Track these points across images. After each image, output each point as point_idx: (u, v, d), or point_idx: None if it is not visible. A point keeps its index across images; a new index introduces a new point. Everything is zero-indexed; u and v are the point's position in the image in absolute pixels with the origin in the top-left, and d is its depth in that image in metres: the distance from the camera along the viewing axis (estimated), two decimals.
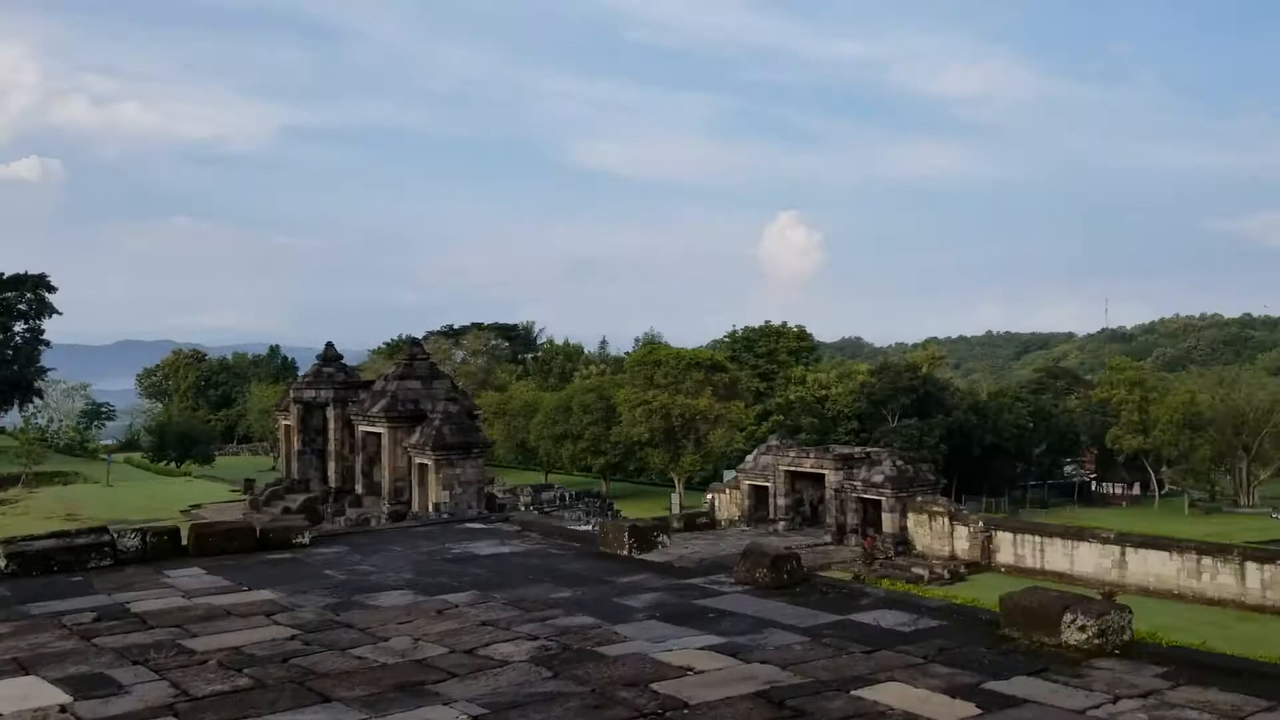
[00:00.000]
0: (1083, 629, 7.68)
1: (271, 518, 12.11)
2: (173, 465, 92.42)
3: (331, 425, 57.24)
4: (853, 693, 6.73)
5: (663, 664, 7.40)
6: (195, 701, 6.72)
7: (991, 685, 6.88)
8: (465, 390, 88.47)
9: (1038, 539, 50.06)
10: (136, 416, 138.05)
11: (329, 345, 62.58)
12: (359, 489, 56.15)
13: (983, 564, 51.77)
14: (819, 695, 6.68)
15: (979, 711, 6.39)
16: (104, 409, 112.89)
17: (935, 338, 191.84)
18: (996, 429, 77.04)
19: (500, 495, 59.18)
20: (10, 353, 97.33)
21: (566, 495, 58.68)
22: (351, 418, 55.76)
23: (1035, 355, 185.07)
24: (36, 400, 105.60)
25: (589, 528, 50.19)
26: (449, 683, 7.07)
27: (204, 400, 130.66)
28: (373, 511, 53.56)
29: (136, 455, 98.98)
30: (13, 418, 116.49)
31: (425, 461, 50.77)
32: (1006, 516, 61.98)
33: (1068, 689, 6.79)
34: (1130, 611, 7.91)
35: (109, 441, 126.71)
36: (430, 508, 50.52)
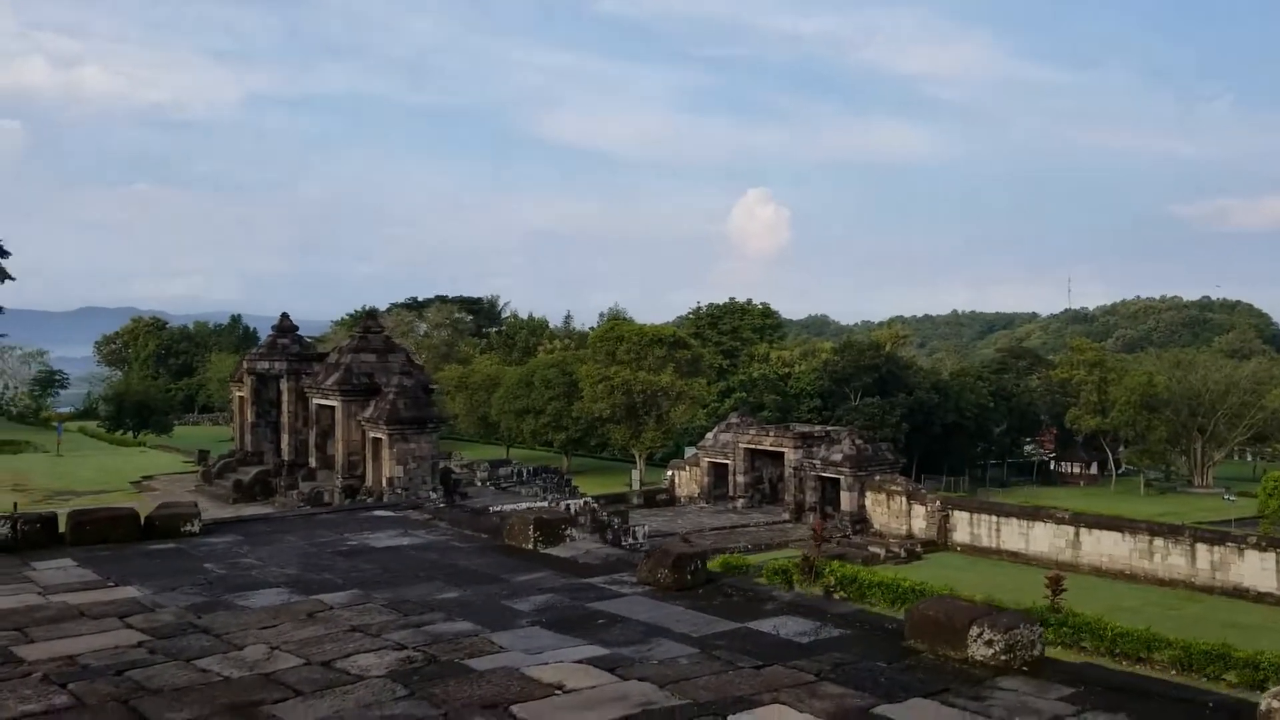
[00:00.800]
0: (989, 643, 7.11)
1: (159, 505, 11.34)
2: (129, 435, 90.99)
3: (285, 398, 56.30)
4: (730, 718, 6.13)
5: (532, 681, 6.77)
6: None
7: (883, 710, 6.29)
8: (421, 364, 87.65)
9: (994, 519, 50.02)
10: (95, 384, 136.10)
11: (284, 316, 61.53)
12: (313, 462, 55.30)
13: (939, 543, 51.73)
14: None
15: None
16: (57, 376, 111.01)
17: (901, 316, 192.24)
18: (958, 408, 76.97)
19: (457, 470, 58.42)
20: None
21: (524, 471, 58.02)
22: (306, 390, 54.83)
23: (999, 335, 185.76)
24: None
25: (542, 504, 49.70)
26: (290, 703, 6.41)
27: (164, 369, 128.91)
28: (326, 486, 52.76)
29: (92, 424, 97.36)
30: None
31: (379, 436, 49.97)
32: (964, 496, 61.95)
33: (964, 714, 6.22)
34: (1042, 625, 7.35)
35: (66, 410, 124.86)
36: (384, 482, 49.80)
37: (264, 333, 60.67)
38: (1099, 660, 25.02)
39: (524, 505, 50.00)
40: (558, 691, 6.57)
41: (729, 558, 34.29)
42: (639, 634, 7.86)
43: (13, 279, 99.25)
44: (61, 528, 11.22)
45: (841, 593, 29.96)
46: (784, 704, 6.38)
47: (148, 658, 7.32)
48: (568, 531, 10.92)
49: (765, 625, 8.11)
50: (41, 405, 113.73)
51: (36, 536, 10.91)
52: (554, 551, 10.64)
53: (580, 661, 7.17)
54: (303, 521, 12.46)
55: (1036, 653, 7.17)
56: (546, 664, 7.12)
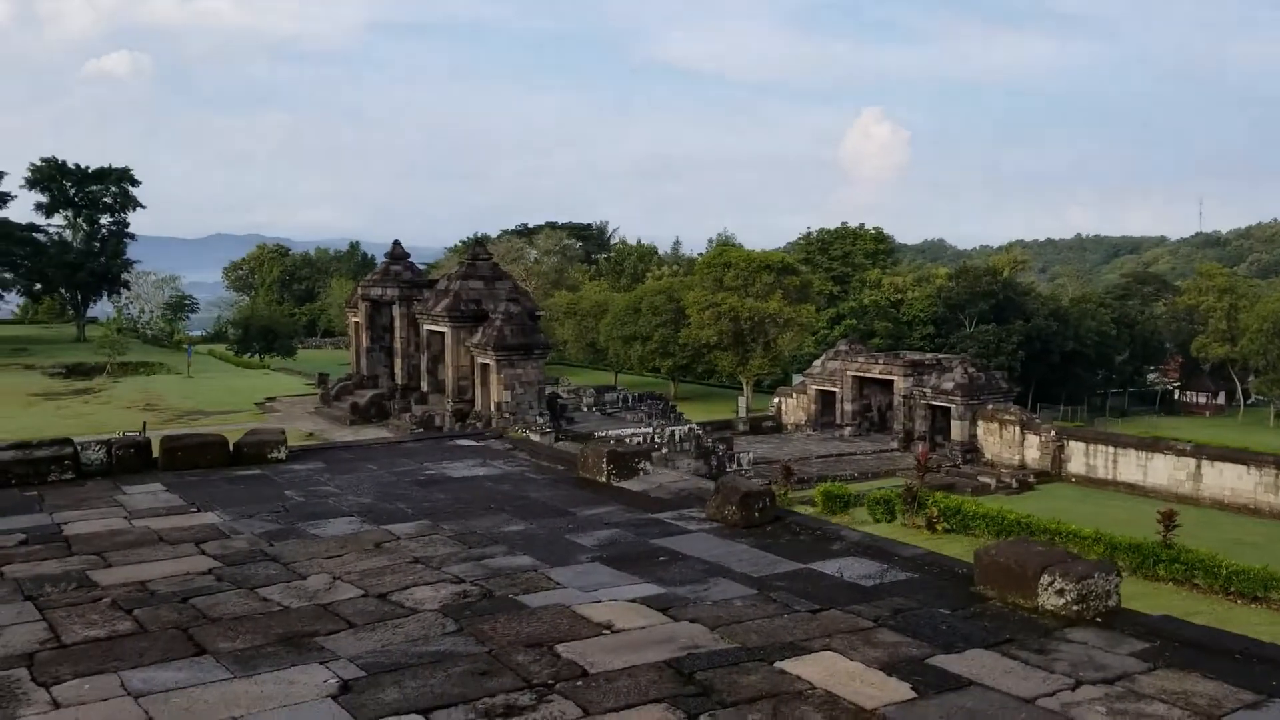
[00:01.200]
0: (1061, 593, 6.79)
1: (248, 432, 11.60)
2: (255, 358, 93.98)
3: (397, 323, 57.38)
4: (777, 664, 5.97)
5: (582, 619, 6.71)
6: (60, 650, 6.21)
7: (939, 660, 6.05)
8: (528, 291, 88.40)
9: (1111, 449, 48.58)
10: (224, 309, 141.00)
11: (396, 243, 62.48)
12: (424, 386, 56.44)
13: (1053, 474, 50.54)
14: (737, 666, 5.92)
15: (913, 696, 5.58)
16: (187, 301, 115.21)
17: (1022, 240, 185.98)
18: (1077, 335, 74.41)
19: (564, 396, 59.00)
20: (97, 245, 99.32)
21: (629, 397, 58.27)
22: (417, 316, 55.79)
23: (1125, 260, 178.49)
24: (124, 291, 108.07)
25: (647, 430, 49.93)
26: (342, 635, 6.47)
27: (288, 294, 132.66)
28: (437, 410, 53.86)
29: (220, 347, 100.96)
30: (106, 309, 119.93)
31: (487, 361, 50.68)
32: (1081, 425, 60.19)
33: (1026, 668, 5.94)
34: (1119, 575, 6.98)
35: (197, 333, 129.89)
36: (493, 407, 50.60)
37: (381, 259, 61.83)
38: (1213, 599, 24.19)
39: (628, 431, 50.31)
40: (606, 631, 6.50)
41: (830, 486, 33.94)
42: (698, 573, 7.73)
43: (143, 207, 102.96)
44: (156, 453, 11.55)
45: (944, 524, 29.43)
46: (835, 650, 6.19)
47: (215, 584, 7.49)
48: (641, 465, 10.82)
49: (829, 567, 7.90)
50: (175, 328, 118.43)
51: (130, 461, 11.26)
52: (627, 485, 10.56)
53: (634, 600, 7.08)
54: (385, 450, 12.63)
55: (1112, 603, 6.83)
56: (600, 601, 7.05)
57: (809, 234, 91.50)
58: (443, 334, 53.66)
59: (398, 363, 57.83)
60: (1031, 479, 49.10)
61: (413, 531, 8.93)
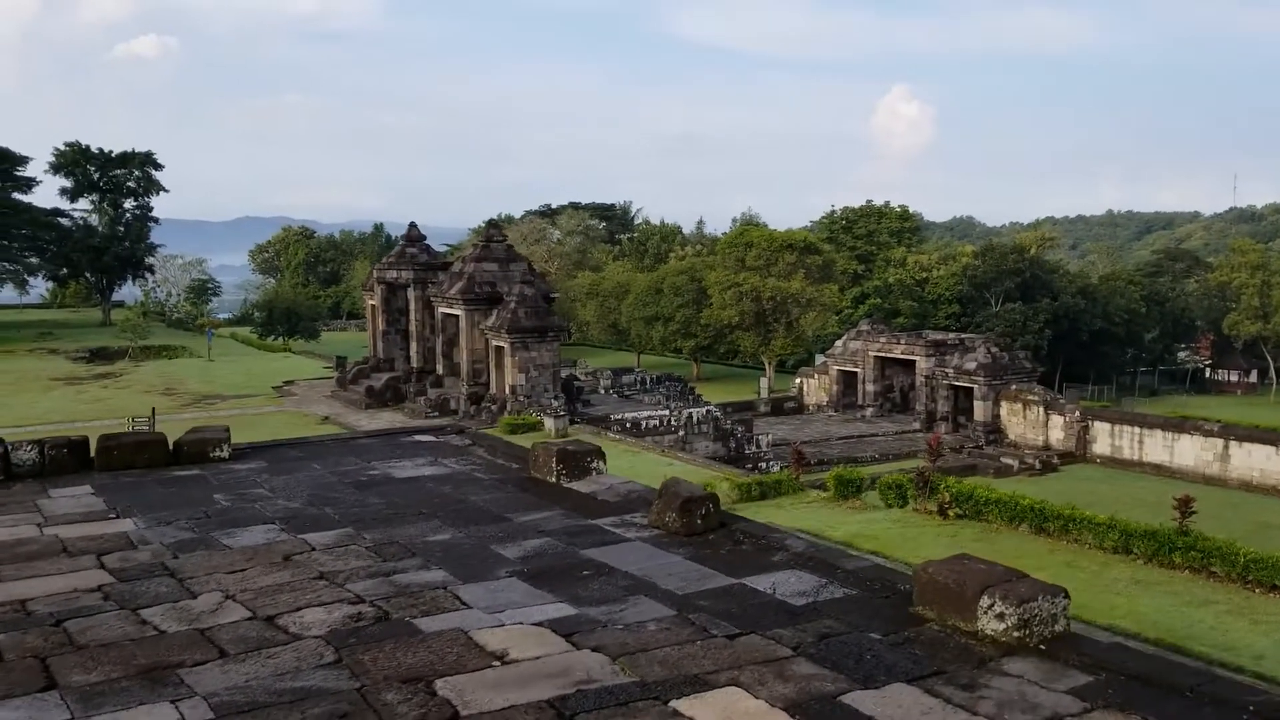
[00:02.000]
0: (1001, 616, 6.15)
1: (188, 431, 11.09)
2: (278, 341, 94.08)
3: (413, 306, 57.03)
4: (671, 703, 5.38)
5: (475, 648, 6.14)
6: None
7: (853, 698, 5.44)
8: (542, 274, 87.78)
9: (1136, 430, 47.54)
10: (250, 291, 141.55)
11: (412, 225, 62.10)
12: (440, 370, 56.10)
13: (1078, 455, 49.58)
14: (625, 707, 5.34)
15: None
16: (209, 284, 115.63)
17: (1052, 217, 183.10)
18: (1106, 313, 72.97)
19: (581, 378, 58.50)
20: (121, 229, 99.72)
21: (647, 378, 57.69)
22: (432, 299, 55.41)
23: (1157, 236, 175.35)
24: (149, 275, 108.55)
25: (664, 412, 49.35)
26: (208, 667, 5.93)
27: (313, 277, 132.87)
28: (452, 393, 53.53)
29: (244, 330, 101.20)
30: (135, 292, 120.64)
31: (501, 344, 50.23)
32: (1107, 406, 59.01)
33: (946, 709, 5.32)
34: (1066, 598, 6.33)
35: (224, 316, 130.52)
36: (507, 390, 50.18)
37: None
38: (1229, 588, 23.36)
39: (644, 413, 49.78)
40: (496, 663, 5.93)
41: (842, 470, 33.18)
42: (620, 590, 7.15)
43: (166, 191, 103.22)
44: (94, 452, 11.09)
45: (956, 509, 28.67)
46: (741, 686, 5.59)
47: (98, 605, 6.98)
48: (594, 464, 10.24)
49: (764, 582, 7.29)
50: (200, 311, 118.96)
51: (64, 462, 10.81)
52: (576, 486, 9.99)
53: (540, 624, 6.51)
54: (336, 447, 12.10)
55: (1058, 628, 6.18)
56: (502, 626, 6.49)
57: (833, 212, 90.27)
58: (457, 317, 53.25)
59: (413, 346, 57.52)
60: (1055, 460, 48.15)
61: (330, 541, 8.40)
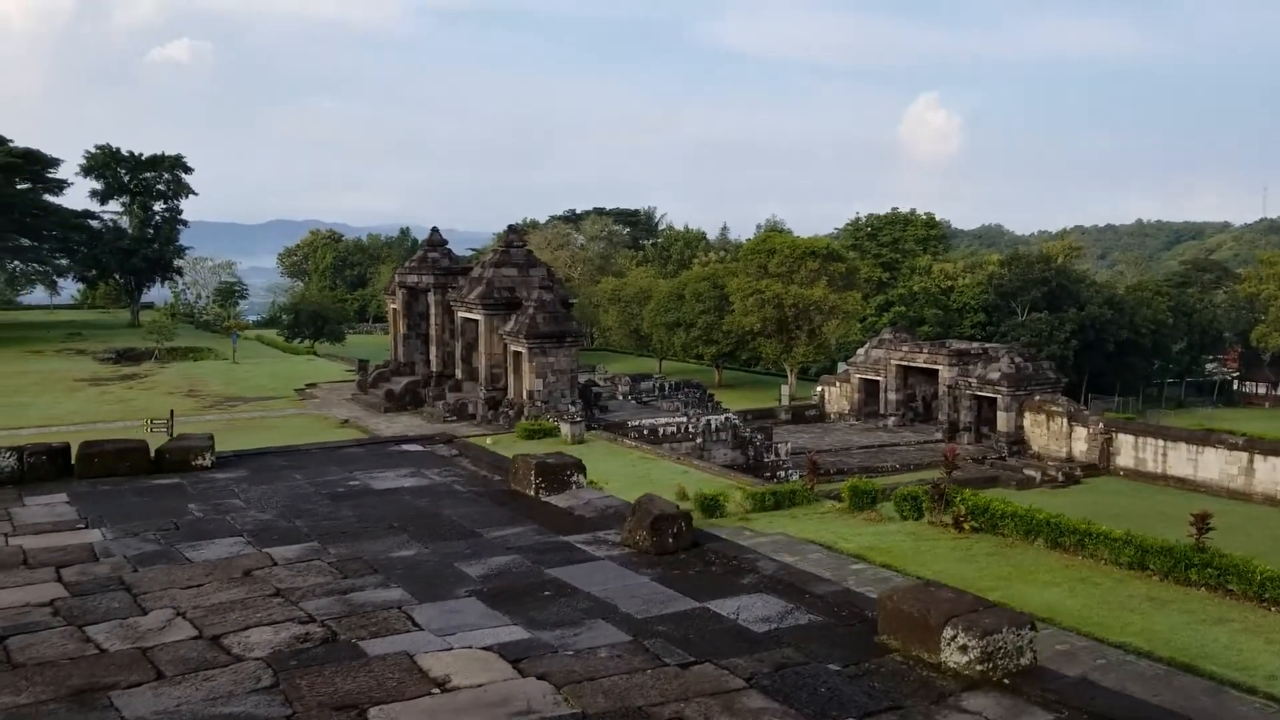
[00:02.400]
0: (964, 649, 5.89)
1: (174, 438, 10.98)
2: (305, 343, 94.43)
3: (433, 311, 57.07)
4: None
5: (418, 673, 5.95)
6: None
7: None
8: (561, 279, 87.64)
9: (1160, 443, 46.89)
10: (278, 294, 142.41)
11: (434, 230, 62.14)
12: (459, 374, 56.09)
13: (1101, 467, 48.98)
14: None
15: None
16: (236, 287, 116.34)
17: (1081, 226, 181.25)
18: (1133, 324, 72.04)
19: (600, 384, 58.34)
20: (151, 231, 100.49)
21: (666, 385, 57.42)
22: (451, 304, 55.42)
23: (1186, 246, 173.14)
24: (177, 277, 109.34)
25: (682, 419, 49.08)
26: (142, 689, 5.77)
27: (340, 280, 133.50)
28: (471, 397, 53.49)
29: (270, 333, 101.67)
30: (166, 294, 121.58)
31: (519, 349, 50.16)
32: (1131, 418, 58.26)
33: None
34: (1033, 629, 6.06)
35: (252, 318, 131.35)
36: (524, 395, 50.09)
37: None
38: (1245, 606, 22.87)
39: (662, 420, 49.54)
40: (436, 690, 5.73)
41: (857, 481, 32.81)
42: (578, 613, 6.93)
43: (195, 194, 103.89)
44: (73, 459, 10.99)
45: (971, 522, 28.28)
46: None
47: (46, 620, 6.85)
48: (573, 478, 10.04)
49: (728, 606, 7.06)
50: (227, 314, 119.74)
51: (44, 469, 10.71)
52: (554, 500, 9.79)
53: (489, 648, 6.31)
54: (322, 456, 11.96)
55: (1024, 662, 5.92)
56: (450, 650, 6.29)
57: (857, 220, 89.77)
58: (476, 321, 53.23)
59: (433, 350, 57.55)
60: (1078, 473, 47.58)
61: (294, 556, 8.23)
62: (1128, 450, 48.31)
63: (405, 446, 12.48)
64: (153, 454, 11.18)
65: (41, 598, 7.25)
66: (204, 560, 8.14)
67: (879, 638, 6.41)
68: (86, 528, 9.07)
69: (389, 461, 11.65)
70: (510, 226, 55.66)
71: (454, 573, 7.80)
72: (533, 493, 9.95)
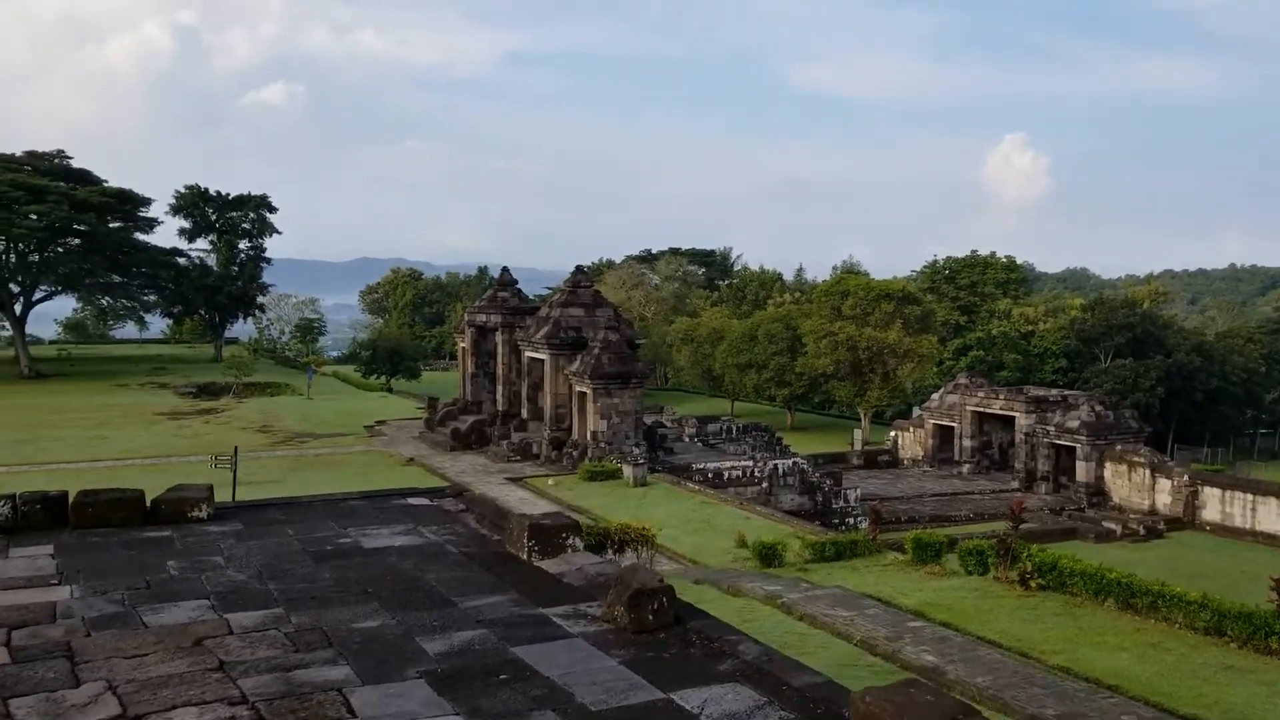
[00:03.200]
0: None
1: (168, 489, 10.70)
2: (380, 379, 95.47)
3: (500, 350, 57.22)
4: None
5: None
6: None
7: None
8: (639, 317, 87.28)
9: (1249, 496, 44.90)
10: (359, 331, 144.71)
11: (504, 270, 62.49)
12: (524, 414, 56.03)
13: (1185, 521, 47.06)
14: None
15: None
16: (315, 323, 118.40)
17: (1171, 270, 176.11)
18: (1223, 372, 69.46)
19: (667, 424, 57.77)
20: (235, 268, 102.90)
21: (734, 428, 56.68)
22: (518, 343, 55.49)
23: None
24: (260, 313, 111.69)
25: (748, 463, 48.21)
26: None
27: (419, 317, 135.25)
28: (535, 437, 53.33)
29: (347, 369, 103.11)
30: (251, 330, 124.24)
31: (584, 390, 49.91)
32: (1220, 469, 55.94)
33: None
34: None
35: (333, 354, 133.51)
36: (589, 435, 49.75)
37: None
38: None
39: (728, 464, 48.80)
40: None
41: (922, 533, 31.82)
42: (528, 702, 6.37)
43: (279, 232, 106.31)
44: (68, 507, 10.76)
45: (1039, 580, 27.06)
46: None
47: None
48: (569, 540, 9.50)
49: (695, 698, 6.44)
50: (308, 349, 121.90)
51: (37, 518, 10.50)
52: (546, 564, 9.26)
53: None
54: (325, 509, 11.57)
55: None
56: None
57: (934, 263, 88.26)
58: (542, 361, 53.17)
59: (499, 389, 57.62)
60: (1161, 526, 45.72)
61: (254, 624, 7.81)
62: (1214, 504, 46.37)
63: (411, 500, 12.06)
64: (148, 504, 10.91)
65: None
66: (160, 625, 7.76)
67: None
68: (60, 584, 8.77)
69: (388, 517, 11.23)
70: (578, 267, 55.64)
71: (412, 649, 7.30)
72: (525, 556, 9.44)
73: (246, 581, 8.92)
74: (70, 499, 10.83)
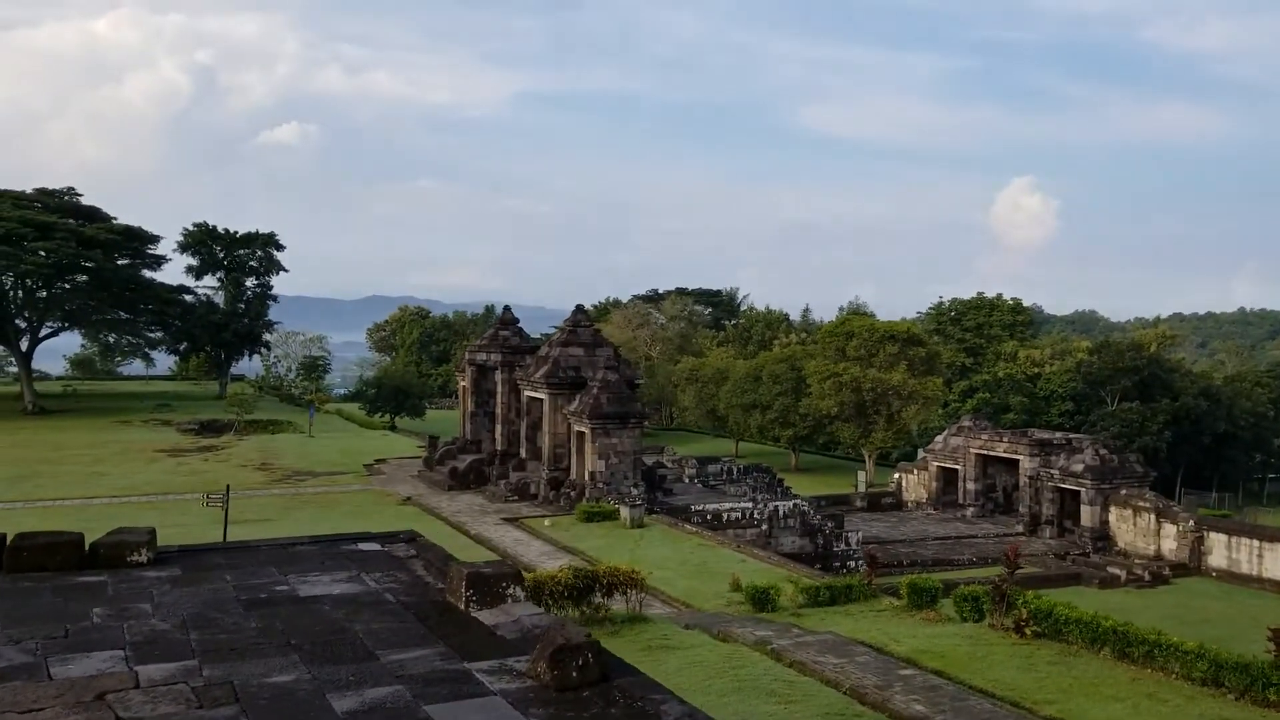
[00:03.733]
0: None
1: (108, 533, 10.39)
2: (384, 417, 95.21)
3: (499, 389, 56.98)
4: None
5: None
6: None
7: None
8: (644, 357, 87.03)
9: (1256, 543, 44.27)
10: (366, 368, 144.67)
11: (506, 309, 62.37)
12: (523, 453, 55.70)
13: (1191, 567, 46.43)
14: None
15: None
16: (319, 361, 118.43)
17: (1180, 314, 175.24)
18: (1230, 416, 68.78)
19: (667, 465, 57.36)
20: (242, 306, 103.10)
21: (734, 468, 56.24)
22: (518, 382, 55.26)
23: None
24: (266, 350, 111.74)
25: (748, 504, 47.67)
26: None
27: (425, 355, 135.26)
28: (534, 477, 52.95)
29: (350, 406, 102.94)
30: (257, 367, 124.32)
31: (582, 429, 49.58)
32: (1227, 514, 55.20)
33: None
34: None
35: (339, 392, 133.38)
36: (587, 476, 49.35)
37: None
38: None
39: (727, 505, 48.28)
40: None
41: (917, 578, 31.32)
42: None
43: (286, 270, 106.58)
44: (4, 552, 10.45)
45: (1034, 627, 26.52)
46: None
47: None
48: (509, 590, 9.15)
49: None
50: (317, 386, 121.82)
51: None
52: (482, 615, 8.90)
53: None
54: (270, 554, 11.24)
55: None
56: None
57: (940, 304, 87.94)
58: (541, 400, 52.90)
59: (498, 428, 57.33)
60: (1167, 571, 45.05)
61: (163, 677, 7.46)
62: (1220, 550, 45.74)
63: (362, 545, 11.72)
64: (87, 548, 10.60)
65: None
66: (65, 678, 7.43)
67: None
68: None
69: (333, 563, 10.88)
70: (578, 306, 55.49)
71: (320, 707, 6.95)
72: (463, 606, 9.09)
73: (168, 631, 8.59)
74: (8, 541, 10.53)
